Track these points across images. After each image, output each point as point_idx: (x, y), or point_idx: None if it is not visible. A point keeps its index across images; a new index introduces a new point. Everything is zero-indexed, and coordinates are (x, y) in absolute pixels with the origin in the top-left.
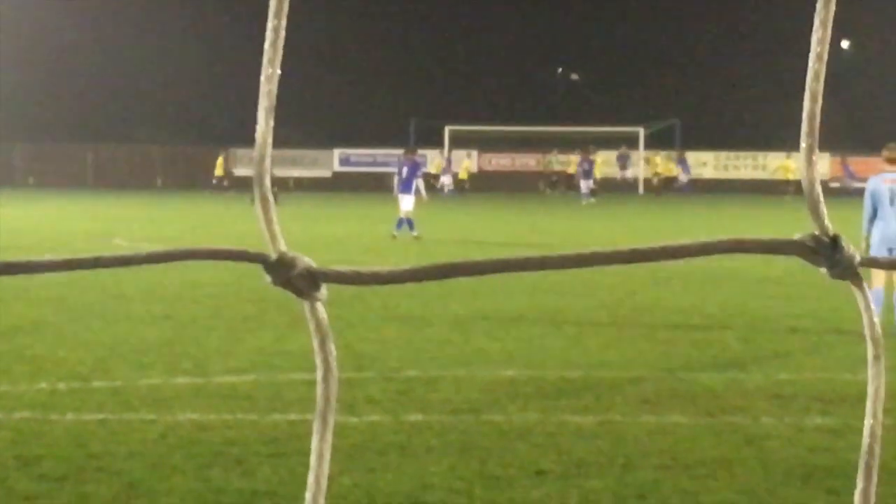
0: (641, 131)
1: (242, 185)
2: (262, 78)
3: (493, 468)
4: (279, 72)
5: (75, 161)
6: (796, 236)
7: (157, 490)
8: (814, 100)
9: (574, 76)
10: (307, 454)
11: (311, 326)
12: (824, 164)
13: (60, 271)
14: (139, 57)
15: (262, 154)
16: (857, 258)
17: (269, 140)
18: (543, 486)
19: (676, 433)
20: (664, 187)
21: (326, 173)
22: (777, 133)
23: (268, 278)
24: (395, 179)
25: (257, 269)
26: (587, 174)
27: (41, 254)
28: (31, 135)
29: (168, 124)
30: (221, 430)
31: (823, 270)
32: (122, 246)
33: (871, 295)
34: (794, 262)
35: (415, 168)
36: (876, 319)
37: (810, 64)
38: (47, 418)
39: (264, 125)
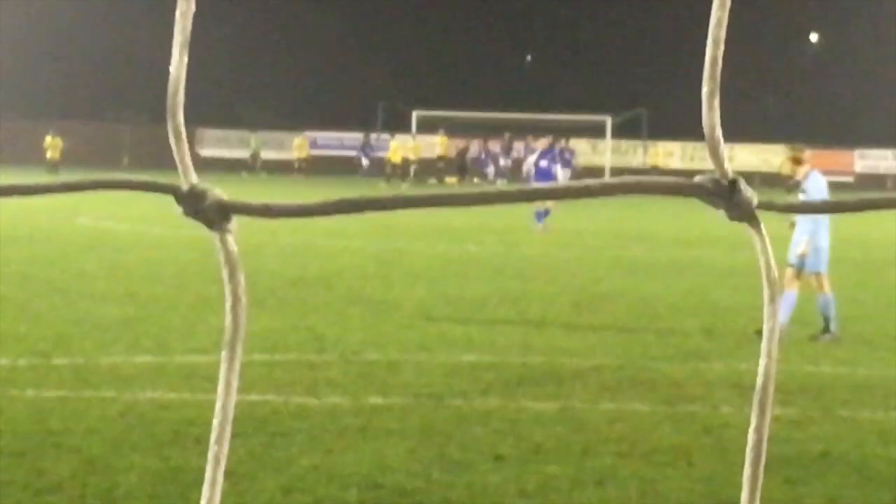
0: (609, 120)
1: (209, 167)
2: (178, 13)
3: (452, 452)
4: (193, 7)
5: (40, 139)
6: (696, 178)
7: (115, 467)
8: (716, 45)
9: (528, 57)
10: (267, 435)
11: (221, 257)
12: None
13: None
14: (108, 35)
15: (175, 88)
16: (755, 201)
17: (183, 75)
18: (502, 470)
19: (636, 421)
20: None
21: (293, 155)
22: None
23: (179, 209)
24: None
25: (218, 247)
26: (567, 163)
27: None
28: None
29: (135, 103)
30: (181, 410)
31: (721, 213)
32: (86, 225)
33: (784, 300)
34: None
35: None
36: (772, 262)
37: (713, 10)
38: (7, 394)
39: (178, 60)
